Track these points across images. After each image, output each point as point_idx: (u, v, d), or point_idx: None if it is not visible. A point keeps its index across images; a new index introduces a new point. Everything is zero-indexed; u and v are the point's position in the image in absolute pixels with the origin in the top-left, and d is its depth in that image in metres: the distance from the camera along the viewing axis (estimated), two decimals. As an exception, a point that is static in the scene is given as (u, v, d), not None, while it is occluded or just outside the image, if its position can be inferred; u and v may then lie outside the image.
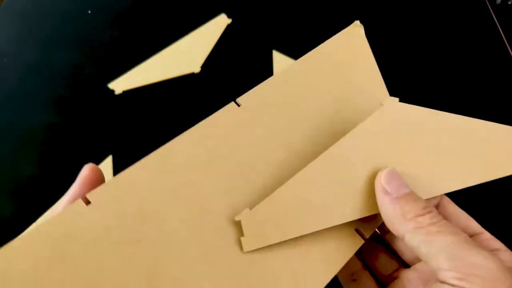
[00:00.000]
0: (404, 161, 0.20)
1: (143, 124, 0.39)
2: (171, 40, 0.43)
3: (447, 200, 0.21)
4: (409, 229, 0.17)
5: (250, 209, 0.19)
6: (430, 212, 0.18)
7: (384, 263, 0.22)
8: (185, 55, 0.43)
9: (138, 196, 0.18)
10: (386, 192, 0.18)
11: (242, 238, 0.18)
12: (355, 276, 0.22)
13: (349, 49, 0.25)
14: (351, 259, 0.20)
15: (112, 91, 0.41)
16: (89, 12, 0.44)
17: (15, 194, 0.37)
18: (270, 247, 0.19)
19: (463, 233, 0.17)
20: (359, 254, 0.23)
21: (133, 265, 0.17)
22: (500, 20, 0.45)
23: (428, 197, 0.20)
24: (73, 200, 0.18)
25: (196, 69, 0.42)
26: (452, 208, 0.21)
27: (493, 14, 0.45)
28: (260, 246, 0.18)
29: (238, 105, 0.21)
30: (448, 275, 0.15)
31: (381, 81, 0.24)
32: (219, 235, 0.19)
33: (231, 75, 0.41)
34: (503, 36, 0.44)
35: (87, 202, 0.17)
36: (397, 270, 0.22)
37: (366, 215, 0.19)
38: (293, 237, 0.19)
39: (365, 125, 0.20)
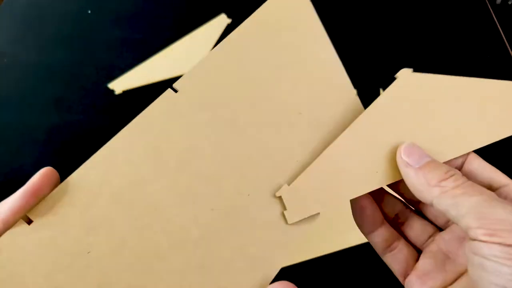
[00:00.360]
0: (423, 128, 0.21)
1: (143, 124, 0.39)
2: (171, 40, 0.43)
3: (472, 156, 0.21)
4: (436, 195, 0.18)
5: (288, 184, 0.20)
6: (452, 175, 0.18)
7: (420, 230, 0.23)
8: (185, 55, 0.43)
9: (82, 206, 0.18)
10: (407, 165, 0.19)
11: (285, 212, 0.20)
12: (392, 246, 0.23)
13: (290, 10, 0.23)
14: (387, 231, 0.23)
15: (112, 91, 0.41)
16: (89, 12, 0.44)
17: (15, 194, 0.37)
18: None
19: (487, 191, 0.18)
20: (394, 224, 0.24)
21: (85, 278, 0.17)
22: (500, 20, 0.45)
23: (450, 159, 0.21)
24: (12, 212, 0.17)
25: (196, 69, 0.42)
26: (477, 163, 0.21)
27: (493, 14, 0.45)
28: (302, 218, 0.19)
29: (176, 91, 0.20)
30: (478, 233, 0.16)
31: (328, 43, 0.23)
32: (173, 237, 0.19)
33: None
34: (503, 36, 0.44)
35: (29, 222, 0.17)
36: (432, 235, 0.23)
37: (396, 180, 0.20)
38: (332, 206, 0.20)
39: (383, 98, 0.21)
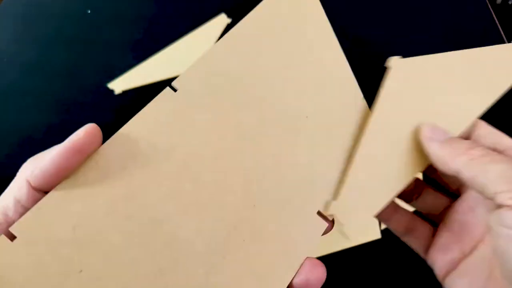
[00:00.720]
0: (430, 109, 0.21)
1: (143, 124, 0.39)
2: (171, 40, 0.43)
3: (475, 122, 0.22)
4: (464, 162, 0.18)
5: (335, 200, 0.19)
6: (478, 146, 0.19)
7: (433, 203, 0.24)
8: (185, 55, 0.42)
9: (72, 219, 0.16)
10: (432, 140, 0.20)
11: (343, 228, 0.20)
12: (409, 228, 0.24)
13: (297, 6, 0.22)
14: (402, 214, 0.23)
15: (112, 91, 0.41)
16: (89, 11, 0.44)
17: (15, 194, 0.37)
18: None
19: None
20: (409, 198, 0.25)
21: None
22: (500, 20, 0.45)
23: (462, 131, 0.21)
24: (53, 168, 0.16)
25: (196, 69, 0.41)
26: (481, 128, 0.22)
27: (493, 14, 0.45)
28: (359, 228, 0.20)
29: (175, 90, 0.19)
30: (506, 197, 0.16)
31: (335, 42, 0.22)
32: (177, 251, 0.17)
33: (231, 75, 0.41)
34: (503, 36, 0.44)
35: (12, 238, 0.15)
36: (445, 208, 0.23)
37: (426, 165, 0.21)
38: (379, 207, 0.20)
39: (386, 91, 0.21)
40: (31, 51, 0.43)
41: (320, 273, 0.19)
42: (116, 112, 0.40)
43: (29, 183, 0.17)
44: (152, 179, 0.17)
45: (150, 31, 0.44)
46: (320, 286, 0.19)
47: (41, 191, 0.17)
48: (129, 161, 0.17)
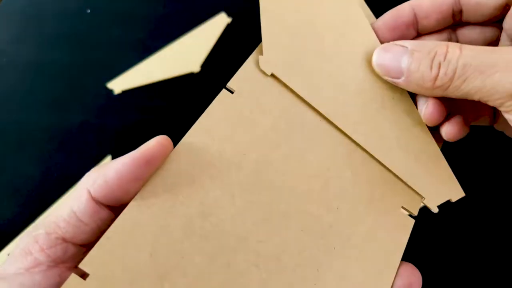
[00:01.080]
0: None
1: (142, 123, 0.38)
2: (170, 39, 0.43)
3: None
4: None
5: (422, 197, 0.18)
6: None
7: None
8: (185, 54, 0.42)
9: (147, 246, 0.14)
10: (404, 50, 0.18)
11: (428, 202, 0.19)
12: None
13: None
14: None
15: (111, 90, 0.41)
16: (88, 11, 0.44)
17: (14, 194, 0.37)
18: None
19: None
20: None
21: None
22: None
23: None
24: (119, 179, 0.15)
25: (196, 68, 0.41)
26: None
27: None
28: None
29: (232, 92, 0.18)
30: None
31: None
32: (259, 267, 0.16)
33: (231, 74, 0.41)
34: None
35: (84, 275, 0.14)
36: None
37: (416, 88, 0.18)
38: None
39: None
40: (30, 51, 0.42)
41: (420, 277, 0.18)
42: (115, 112, 0.39)
43: (90, 194, 0.15)
44: (225, 191, 0.16)
45: (150, 30, 0.44)
46: None
47: (102, 204, 0.15)
48: (196, 174, 0.16)
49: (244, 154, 0.17)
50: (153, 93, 0.40)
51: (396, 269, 0.17)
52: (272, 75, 0.18)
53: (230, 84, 0.18)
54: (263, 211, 0.16)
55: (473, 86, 0.16)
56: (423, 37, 0.21)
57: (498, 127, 0.22)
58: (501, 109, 0.17)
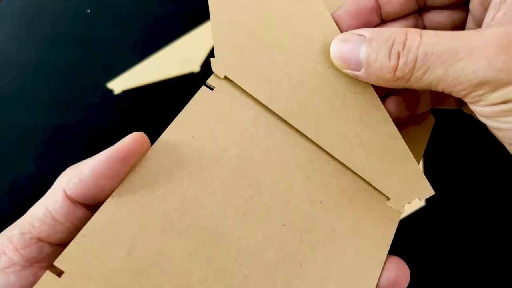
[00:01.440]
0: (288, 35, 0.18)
1: (142, 123, 0.38)
2: (170, 39, 0.43)
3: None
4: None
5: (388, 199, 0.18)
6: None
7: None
8: (185, 54, 0.42)
9: (124, 244, 0.14)
10: (362, 39, 0.17)
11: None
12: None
13: None
14: None
15: (111, 90, 0.41)
16: (88, 11, 0.44)
17: (14, 194, 0.37)
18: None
19: None
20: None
21: None
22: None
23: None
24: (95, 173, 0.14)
25: (196, 68, 0.41)
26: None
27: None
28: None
29: (212, 89, 0.17)
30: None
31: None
32: (241, 263, 0.16)
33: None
34: None
35: (59, 273, 0.14)
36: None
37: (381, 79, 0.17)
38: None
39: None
40: (30, 51, 0.42)
41: (407, 270, 0.17)
42: (115, 112, 0.39)
43: (65, 192, 0.15)
44: (204, 187, 0.16)
45: (150, 30, 0.44)
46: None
47: (78, 202, 0.15)
48: (175, 170, 0.16)
49: (224, 150, 0.16)
50: (153, 93, 0.40)
51: (383, 263, 0.17)
52: (226, 78, 0.17)
53: (210, 81, 0.18)
54: (244, 206, 0.16)
55: (435, 76, 0.15)
56: (388, 24, 0.20)
57: (466, 109, 0.21)
58: (466, 100, 0.16)
